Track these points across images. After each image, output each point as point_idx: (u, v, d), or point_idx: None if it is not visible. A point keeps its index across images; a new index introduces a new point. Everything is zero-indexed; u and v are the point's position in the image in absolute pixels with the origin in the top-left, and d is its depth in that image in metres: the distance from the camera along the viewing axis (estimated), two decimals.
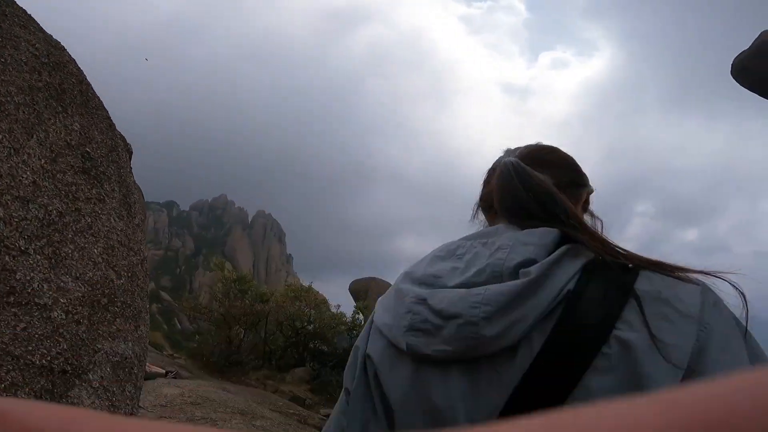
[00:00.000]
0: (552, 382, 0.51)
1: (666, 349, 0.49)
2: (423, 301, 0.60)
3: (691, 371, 0.49)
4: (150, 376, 6.73)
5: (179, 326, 65.07)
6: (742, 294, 0.55)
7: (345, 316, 14.31)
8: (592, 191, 0.76)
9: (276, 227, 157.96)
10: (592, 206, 0.79)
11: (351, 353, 0.71)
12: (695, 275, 0.56)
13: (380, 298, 0.72)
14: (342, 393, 0.70)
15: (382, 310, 0.67)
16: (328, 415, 0.84)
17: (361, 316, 13.88)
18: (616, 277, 0.55)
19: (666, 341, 0.50)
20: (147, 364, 2.62)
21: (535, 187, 0.64)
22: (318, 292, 14.98)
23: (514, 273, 0.57)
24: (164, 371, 8.78)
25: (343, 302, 16.08)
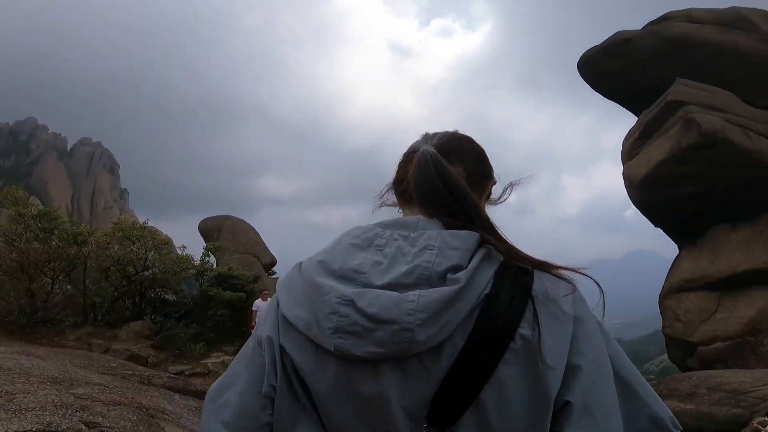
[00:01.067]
0: (471, 374, 0.58)
1: (546, 351, 0.58)
2: (350, 302, 0.60)
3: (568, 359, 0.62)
4: None
5: None
6: (600, 288, 0.68)
7: (193, 258, 12.66)
8: (495, 182, 0.82)
9: (107, 157, 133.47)
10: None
11: (254, 340, 0.70)
12: (566, 272, 0.67)
13: (284, 284, 0.71)
14: (249, 349, 0.70)
15: (291, 302, 0.66)
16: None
17: (212, 259, 12.65)
18: (519, 280, 0.63)
19: (548, 342, 0.59)
20: None
21: (451, 183, 0.68)
22: (160, 233, 12.95)
23: (443, 278, 0.60)
24: None
25: (192, 243, 14.40)
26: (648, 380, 0.89)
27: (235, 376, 0.67)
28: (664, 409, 0.68)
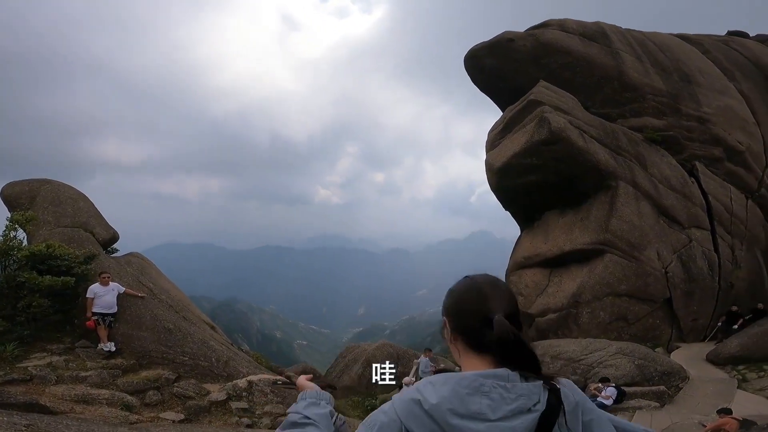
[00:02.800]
0: None
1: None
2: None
3: None
4: None
5: None
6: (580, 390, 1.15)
7: None
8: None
9: None
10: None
11: None
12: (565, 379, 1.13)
13: (409, 415, 1.03)
14: None
15: (419, 426, 1.01)
16: None
17: (21, 234, 9.51)
18: (554, 398, 1.05)
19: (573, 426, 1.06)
20: None
21: (526, 349, 1.08)
22: None
23: (529, 410, 1.02)
24: None
25: None
26: None
27: None
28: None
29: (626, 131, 19.20)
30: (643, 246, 16.98)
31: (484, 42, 21.51)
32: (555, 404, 1.04)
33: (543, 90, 18.50)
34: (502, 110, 21.39)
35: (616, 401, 10.08)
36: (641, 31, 23.30)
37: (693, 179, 19.71)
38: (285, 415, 6.88)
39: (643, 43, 21.87)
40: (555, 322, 16.69)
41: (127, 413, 6.53)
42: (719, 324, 16.68)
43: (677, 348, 16.02)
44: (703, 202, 19.31)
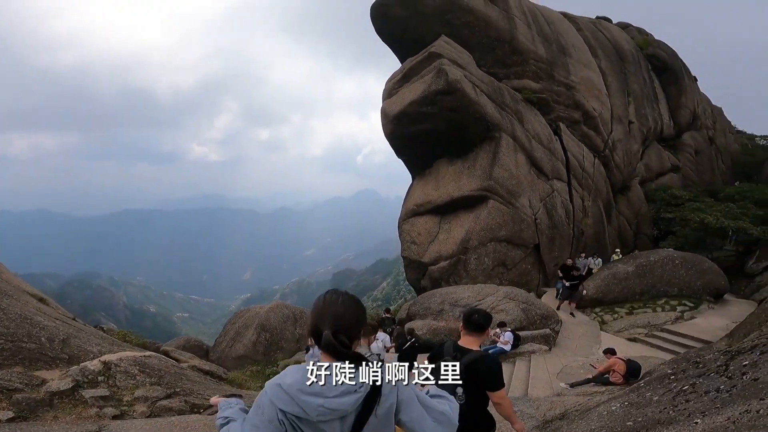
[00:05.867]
0: (365, 414, 1.51)
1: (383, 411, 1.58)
2: (323, 405, 1.47)
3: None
4: None
5: None
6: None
7: None
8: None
9: None
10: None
11: (263, 417, 1.53)
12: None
13: (276, 394, 1.52)
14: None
15: (284, 402, 1.49)
16: None
17: None
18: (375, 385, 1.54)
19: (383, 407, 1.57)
20: None
21: (352, 356, 1.55)
22: None
23: (356, 391, 1.50)
24: None
25: None
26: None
27: None
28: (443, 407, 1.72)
29: (510, 90, 20.60)
30: (518, 193, 18.76)
31: None
32: (376, 389, 1.51)
33: (443, 44, 18.62)
34: (401, 61, 21.09)
35: (514, 346, 10.44)
36: (534, 3, 24.90)
37: (557, 137, 22.32)
38: (169, 397, 5.58)
39: (534, 14, 23.44)
40: (446, 269, 17.54)
41: None
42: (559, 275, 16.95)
43: (544, 292, 17.74)
44: (564, 157, 22.09)
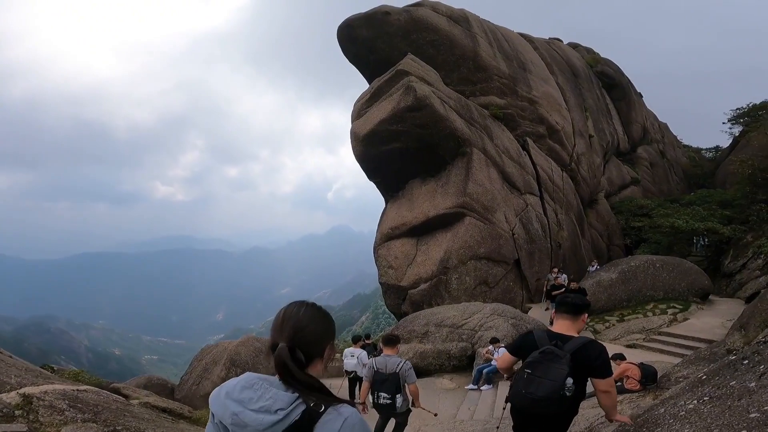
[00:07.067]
0: None
1: None
2: (237, 414, 1.35)
3: None
4: None
5: None
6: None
7: None
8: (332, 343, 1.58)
9: None
10: None
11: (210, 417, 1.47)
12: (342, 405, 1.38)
13: (213, 396, 1.45)
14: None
15: (215, 404, 1.43)
16: None
17: None
18: (313, 413, 1.32)
19: None
20: None
21: (294, 375, 1.39)
22: None
23: (275, 411, 1.32)
24: None
25: None
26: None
27: None
28: None
29: (477, 106, 20.78)
30: (494, 209, 18.53)
31: (360, 13, 21.33)
32: (306, 424, 1.31)
33: (410, 62, 18.72)
34: (369, 82, 21.09)
35: None
36: (492, 23, 25.79)
37: (525, 152, 22.56)
38: None
39: (494, 33, 24.24)
40: (427, 291, 16.81)
41: None
42: (545, 288, 17.05)
43: (530, 308, 17.25)
44: (534, 171, 22.27)
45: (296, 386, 1.34)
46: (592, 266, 19.51)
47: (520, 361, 2.94)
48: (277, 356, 1.37)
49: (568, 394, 2.55)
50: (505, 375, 3.59)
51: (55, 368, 11.92)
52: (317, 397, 1.34)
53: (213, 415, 1.42)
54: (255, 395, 1.35)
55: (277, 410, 1.31)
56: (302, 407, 1.32)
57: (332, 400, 1.35)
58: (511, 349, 3.10)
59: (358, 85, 23.04)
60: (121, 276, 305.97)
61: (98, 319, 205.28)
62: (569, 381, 2.57)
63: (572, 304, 2.94)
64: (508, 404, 2.95)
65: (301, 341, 1.40)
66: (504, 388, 9.25)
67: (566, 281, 16.34)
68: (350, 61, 22.34)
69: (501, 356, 3.33)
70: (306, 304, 1.52)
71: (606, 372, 2.72)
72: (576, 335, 2.85)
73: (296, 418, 1.30)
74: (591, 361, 2.67)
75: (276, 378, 1.39)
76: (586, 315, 3.02)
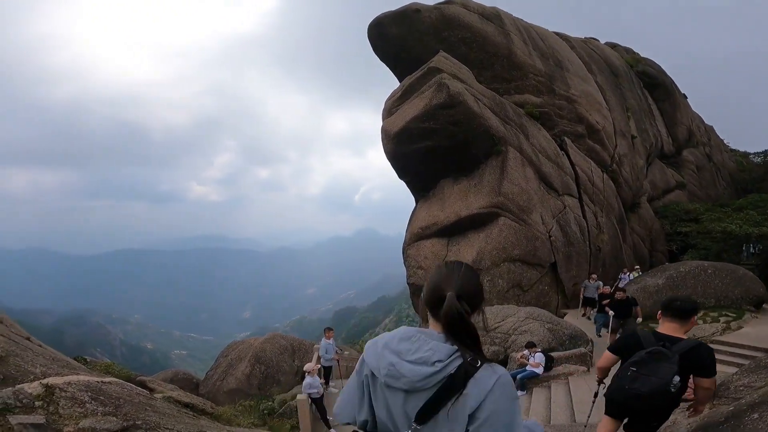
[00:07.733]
0: (435, 404, 1.32)
1: (467, 404, 1.32)
2: (394, 364, 1.37)
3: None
4: None
5: None
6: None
7: None
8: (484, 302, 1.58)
9: None
10: None
11: (357, 371, 1.54)
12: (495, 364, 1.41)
13: (368, 348, 1.50)
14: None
15: (370, 355, 1.47)
16: None
17: None
18: (468, 370, 1.32)
19: (469, 401, 1.32)
20: None
21: (464, 326, 1.37)
22: None
23: (433, 363, 1.34)
24: None
25: None
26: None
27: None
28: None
29: (512, 105, 20.11)
30: (530, 209, 17.80)
31: (390, 11, 21.03)
32: (461, 378, 1.32)
33: (443, 59, 18.32)
34: (399, 80, 20.82)
35: (546, 368, 9.39)
36: (525, 21, 25.06)
37: (563, 152, 21.65)
38: (124, 430, 4.43)
39: (528, 30, 23.48)
40: None
41: None
42: (582, 294, 16.18)
43: (565, 314, 16.48)
44: (573, 172, 21.32)
45: (461, 336, 1.36)
46: (624, 273, 18.17)
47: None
48: (450, 304, 1.37)
49: (673, 390, 2.84)
50: (597, 376, 3.81)
51: (87, 360, 12.28)
52: (475, 353, 1.36)
53: (360, 369, 1.49)
54: (413, 347, 1.37)
55: (435, 362, 1.33)
56: (459, 361, 1.33)
57: (487, 358, 1.38)
58: (614, 349, 3.35)
59: (383, 85, 22.92)
60: (158, 272, 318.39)
61: (134, 313, 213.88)
62: (676, 378, 2.84)
63: (679, 309, 3.15)
64: (592, 409, 3.33)
65: (467, 291, 1.43)
66: (539, 394, 8.73)
67: (603, 288, 15.30)
68: (381, 59, 22.13)
69: (603, 356, 3.56)
70: (463, 263, 1.54)
71: (713, 372, 3.02)
72: (683, 337, 3.09)
73: (452, 371, 1.32)
74: (702, 360, 2.96)
75: (433, 330, 1.42)
76: (695, 317, 3.24)
